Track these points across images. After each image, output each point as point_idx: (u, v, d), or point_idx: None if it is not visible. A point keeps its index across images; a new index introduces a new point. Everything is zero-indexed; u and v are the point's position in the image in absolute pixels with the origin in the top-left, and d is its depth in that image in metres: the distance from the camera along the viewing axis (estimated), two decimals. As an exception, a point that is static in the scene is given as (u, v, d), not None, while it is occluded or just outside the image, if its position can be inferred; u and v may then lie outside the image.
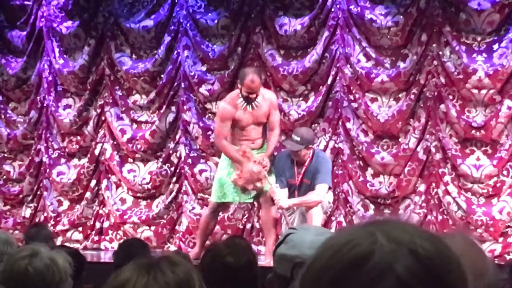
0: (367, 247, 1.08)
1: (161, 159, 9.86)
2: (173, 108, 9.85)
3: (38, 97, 10.36)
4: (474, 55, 8.84)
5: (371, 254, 1.08)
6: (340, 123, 9.25)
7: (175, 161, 9.80)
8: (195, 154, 9.67)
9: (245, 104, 8.01)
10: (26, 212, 10.38)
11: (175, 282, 1.99)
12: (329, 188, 8.10)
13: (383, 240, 1.09)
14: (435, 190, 8.94)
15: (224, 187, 8.24)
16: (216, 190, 8.36)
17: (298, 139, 7.98)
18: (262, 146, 8.25)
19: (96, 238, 10.02)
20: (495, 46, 8.80)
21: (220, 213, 8.91)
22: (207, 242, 8.67)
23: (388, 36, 9.07)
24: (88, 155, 10.13)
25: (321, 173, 8.00)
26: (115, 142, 10.05)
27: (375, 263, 1.07)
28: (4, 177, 10.54)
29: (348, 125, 9.20)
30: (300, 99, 9.43)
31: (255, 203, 9.21)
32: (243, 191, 8.19)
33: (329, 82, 9.25)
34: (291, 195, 8.10)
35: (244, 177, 8.01)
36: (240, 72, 8.47)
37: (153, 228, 9.81)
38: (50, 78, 10.29)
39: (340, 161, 9.24)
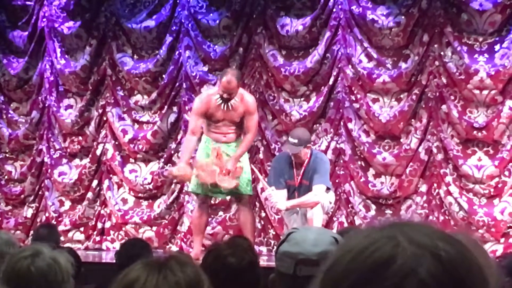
0: (390, 250, 1.06)
1: (162, 159, 9.86)
2: (175, 109, 9.86)
3: (39, 97, 10.37)
4: (476, 55, 8.84)
5: (394, 257, 1.06)
6: (341, 123, 9.25)
7: (177, 161, 9.79)
8: (197, 155, 9.67)
9: (221, 102, 8.03)
10: (28, 212, 10.38)
11: (185, 281, 1.99)
12: (328, 188, 8.07)
13: (405, 243, 1.07)
14: (437, 190, 8.94)
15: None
16: (193, 179, 8.36)
17: (296, 141, 7.97)
18: (235, 140, 8.23)
19: (97, 238, 10.02)
20: (497, 47, 8.80)
21: (209, 209, 8.85)
22: (208, 243, 8.67)
23: (390, 37, 9.08)
24: (90, 155, 10.13)
25: (319, 173, 7.99)
26: (116, 143, 10.06)
27: (398, 267, 1.05)
28: (6, 177, 10.54)
29: (350, 125, 9.20)
30: (302, 99, 9.43)
31: (256, 203, 9.22)
32: (213, 187, 8.16)
33: (330, 82, 9.25)
34: (291, 196, 8.09)
35: (206, 173, 8.00)
36: (222, 70, 8.49)
37: (154, 228, 9.81)
38: (51, 78, 10.30)
39: (341, 161, 9.24)
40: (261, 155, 9.40)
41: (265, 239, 9.38)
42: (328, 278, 1.10)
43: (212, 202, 9.01)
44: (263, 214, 9.38)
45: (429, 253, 1.06)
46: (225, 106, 8.01)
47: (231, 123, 8.15)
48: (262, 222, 9.37)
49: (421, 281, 1.05)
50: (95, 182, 10.11)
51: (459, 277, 1.06)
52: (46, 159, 10.27)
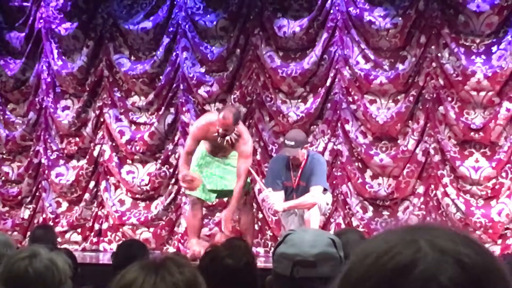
0: (411, 255, 1.03)
1: (160, 161, 9.85)
2: (172, 110, 9.85)
3: (36, 99, 10.36)
4: (473, 57, 8.85)
5: (415, 263, 1.02)
6: (339, 124, 9.25)
7: (174, 162, 9.79)
8: (194, 156, 9.67)
9: (217, 134, 8.03)
10: (25, 213, 10.37)
11: (183, 282, 1.99)
12: (325, 189, 8.07)
13: (427, 248, 1.03)
14: (434, 192, 8.94)
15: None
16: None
17: (293, 143, 7.95)
18: (228, 156, 8.30)
19: (95, 239, 10.01)
20: (494, 48, 8.81)
21: (204, 209, 8.94)
22: (205, 244, 8.68)
23: (387, 38, 9.08)
24: (87, 157, 10.13)
25: (316, 175, 7.98)
26: (113, 144, 10.05)
27: (419, 273, 1.01)
28: (3, 178, 10.53)
29: (347, 127, 9.20)
30: (299, 100, 9.43)
31: (254, 204, 9.22)
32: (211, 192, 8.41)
33: (328, 83, 9.25)
34: (288, 197, 8.08)
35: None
36: (225, 105, 8.57)
37: (152, 229, 9.80)
38: (48, 80, 10.29)
39: (339, 163, 9.24)
40: (258, 157, 9.40)
41: (263, 241, 9.37)
42: (347, 282, 1.06)
43: (210, 203, 9.00)
44: (260, 216, 9.38)
45: (451, 259, 1.03)
46: (221, 140, 8.02)
47: (227, 151, 8.21)
48: (260, 224, 9.37)
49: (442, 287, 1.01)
50: (92, 184, 10.11)
51: (481, 285, 1.03)
52: (43, 160, 10.26)
